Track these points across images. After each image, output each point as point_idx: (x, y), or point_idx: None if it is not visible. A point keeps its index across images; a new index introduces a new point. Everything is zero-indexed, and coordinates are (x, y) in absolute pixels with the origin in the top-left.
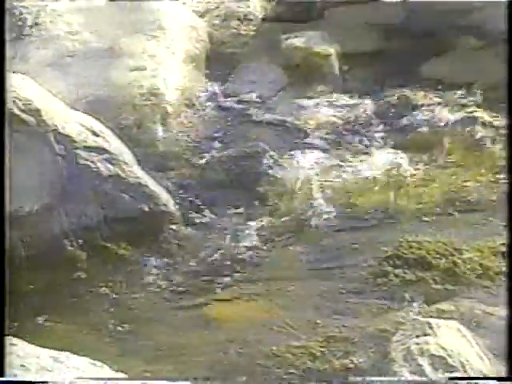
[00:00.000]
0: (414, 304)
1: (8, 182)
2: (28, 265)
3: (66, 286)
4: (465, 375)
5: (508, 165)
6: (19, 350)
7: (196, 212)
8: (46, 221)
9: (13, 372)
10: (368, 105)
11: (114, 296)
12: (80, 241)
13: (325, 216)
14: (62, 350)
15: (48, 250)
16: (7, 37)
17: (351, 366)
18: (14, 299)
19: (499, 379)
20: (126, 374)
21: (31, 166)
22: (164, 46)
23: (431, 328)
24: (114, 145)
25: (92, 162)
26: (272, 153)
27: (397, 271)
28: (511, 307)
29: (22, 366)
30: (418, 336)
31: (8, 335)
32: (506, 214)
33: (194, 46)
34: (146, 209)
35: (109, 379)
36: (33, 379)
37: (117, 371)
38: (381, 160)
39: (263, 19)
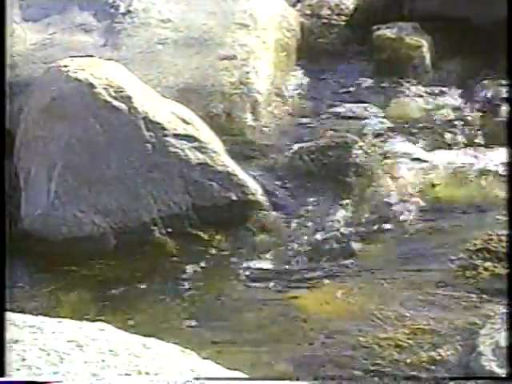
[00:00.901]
0: (504, 297)
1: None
2: (117, 252)
3: (155, 272)
4: None
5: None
6: (108, 335)
7: (283, 201)
8: (134, 209)
9: (101, 357)
10: (458, 98)
11: (202, 283)
12: (168, 228)
13: (412, 207)
14: (150, 337)
15: (137, 237)
16: (99, 24)
17: (438, 358)
18: (102, 286)
19: (499, 379)
20: (213, 361)
21: (121, 154)
22: (255, 36)
23: None
24: (204, 133)
25: (181, 149)
26: (361, 143)
27: (486, 264)
28: (510, 307)
29: (111, 351)
30: (506, 330)
31: (97, 321)
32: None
33: (285, 35)
34: (234, 197)
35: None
36: (119, 365)
37: (204, 359)
38: (468, 153)
39: (355, 9)
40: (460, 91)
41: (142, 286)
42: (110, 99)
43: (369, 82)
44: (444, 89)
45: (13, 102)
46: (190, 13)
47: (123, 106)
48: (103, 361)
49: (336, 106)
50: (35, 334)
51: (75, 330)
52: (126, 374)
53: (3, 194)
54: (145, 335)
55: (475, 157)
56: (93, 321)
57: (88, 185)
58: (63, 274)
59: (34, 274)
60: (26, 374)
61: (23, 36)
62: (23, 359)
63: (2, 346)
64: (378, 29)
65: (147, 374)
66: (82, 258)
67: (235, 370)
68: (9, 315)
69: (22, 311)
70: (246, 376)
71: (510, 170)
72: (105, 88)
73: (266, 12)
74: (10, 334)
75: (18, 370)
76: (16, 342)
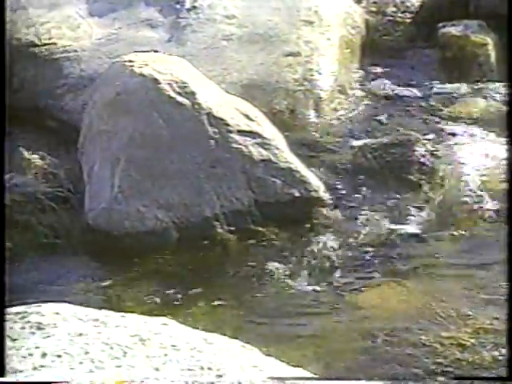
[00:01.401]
0: None
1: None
2: (179, 246)
3: (216, 267)
4: None
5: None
6: (170, 330)
7: (346, 199)
8: (197, 204)
9: (164, 352)
10: None
11: (262, 279)
12: (230, 224)
13: (478, 206)
14: (212, 331)
15: (199, 232)
16: (164, 20)
17: (500, 358)
18: (164, 280)
19: (499, 379)
20: (275, 358)
21: (184, 149)
22: (319, 32)
23: None
24: (267, 129)
25: (245, 145)
26: (424, 141)
27: None
28: (510, 305)
29: (173, 346)
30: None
31: (159, 315)
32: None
33: (350, 32)
34: (297, 194)
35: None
36: (181, 360)
37: (267, 355)
38: None
39: (420, 6)
40: None
41: (204, 281)
42: (173, 95)
43: (434, 79)
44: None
45: (77, 97)
46: (255, 9)
47: (187, 102)
48: (165, 355)
49: (400, 103)
50: (99, 328)
51: (138, 325)
52: (188, 369)
53: (3, 192)
54: (206, 331)
55: None
56: (155, 315)
57: (151, 179)
58: (126, 268)
59: (97, 268)
60: (89, 367)
61: (89, 31)
62: (86, 352)
63: (2, 347)
64: (444, 26)
65: (209, 369)
66: (145, 253)
67: (297, 366)
68: (72, 308)
69: (86, 305)
70: (312, 375)
71: (509, 165)
72: (169, 83)
73: (331, 9)
74: (74, 327)
75: (80, 363)
76: (80, 335)
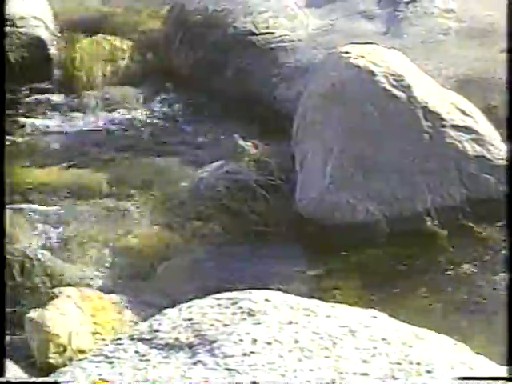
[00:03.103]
0: None
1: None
2: (389, 240)
3: (427, 263)
4: None
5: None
6: (380, 322)
7: None
8: (409, 198)
9: (373, 344)
10: None
11: (474, 275)
12: (441, 219)
13: None
14: (421, 327)
15: (409, 226)
16: (381, 12)
17: None
18: (373, 273)
19: (499, 379)
20: (486, 357)
21: (398, 143)
22: None
23: None
24: (482, 125)
25: (459, 141)
26: None
27: None
28: (510, 305)
29: (383, 339)
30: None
31: (371, 308)
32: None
33: None
34: None
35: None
36: (391, 353)
37: (477, 354)
38: None
39: None
40: None
41: (413, 277)
42: (389, 87)
43: None
44: None
45: (291, 87)
46: (474, 3)
47: (402, 95)
48: (375, 348)
49: None
50: (309, 317)
51: (348, 316)
52: (397, 363)
53: (3, 187)
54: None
55: None
56: (363, 307)
57: (363, 171)
58: (335, 259)
59: (306, 257)
60: (298, 356)
61: (305, 21)
62: (296, 341)
63: (2, 347)
64: None
65: (418, 364)
66: (355, 245)
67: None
68: (283, 296)
69: (294, 293)
70: None
71: (509, 165)
72: (385, 76)
73: None
74: (284, 315)
75: (290, 351)
76: (290, 323)
